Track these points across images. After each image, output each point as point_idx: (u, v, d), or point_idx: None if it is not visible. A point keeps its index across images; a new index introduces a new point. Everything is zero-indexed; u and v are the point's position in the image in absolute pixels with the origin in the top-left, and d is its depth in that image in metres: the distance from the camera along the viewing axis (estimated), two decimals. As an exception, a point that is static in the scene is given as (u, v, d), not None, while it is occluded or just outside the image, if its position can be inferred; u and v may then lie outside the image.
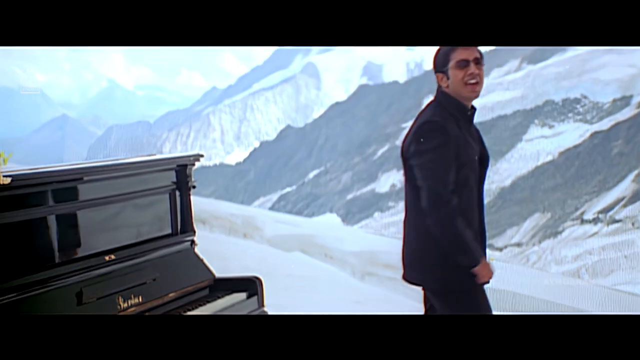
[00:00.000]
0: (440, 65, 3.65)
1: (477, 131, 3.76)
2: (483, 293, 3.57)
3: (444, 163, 3.48)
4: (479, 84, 3.62)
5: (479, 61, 3.64)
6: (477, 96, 3.64)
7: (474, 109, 3.73)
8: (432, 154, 3.47)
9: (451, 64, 3.60)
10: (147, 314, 3.72)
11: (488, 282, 3.52)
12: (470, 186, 3.58)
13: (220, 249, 13.69)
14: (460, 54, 3.60)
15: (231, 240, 18.56)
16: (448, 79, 3.63)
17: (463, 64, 3.58)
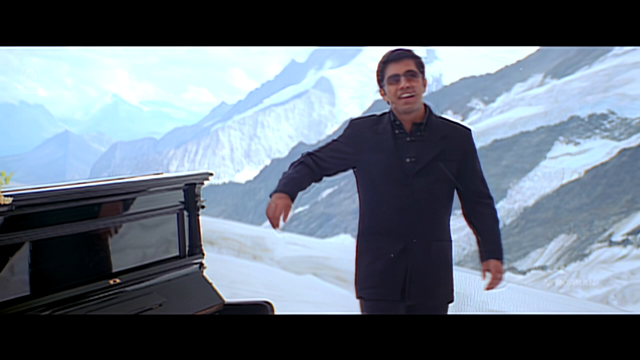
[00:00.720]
0: (379, 80, 3.89)
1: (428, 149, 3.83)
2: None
3: (332, 143, 3.97)
4: (414, 96, 3.79)
5: (413, 73, 3.80)
6: (412, 109, 3.80)
7: (421, 125, 3.85)
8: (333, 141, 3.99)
9: (385, 79, 3.84)
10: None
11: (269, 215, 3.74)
12: (377, 187, 3.80)
13: (228, 271, 13.68)
14: (392, 68, 3.81)
15: (240, 262, 18.55)
16: (385, 94, 3.88)
17: (394, 79, 3.79)
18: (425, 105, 3.85)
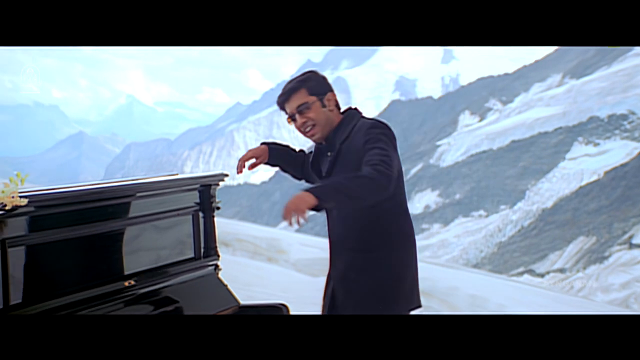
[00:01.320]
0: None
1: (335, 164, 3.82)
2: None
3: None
4: (314, 126, 3.83)
5: (306, 106, 3.82)
6: (317, 138, 3.87)
7: (334, 148, 3.84)
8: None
9: (288, 118, 3.93)
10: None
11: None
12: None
13: (243, 273, 13.70)
14: (287, 108, 3.87)
15: (255, 264, 18.57)
16: None
17: (292, 118, 3.84)
18: (343, 115, 3.86)
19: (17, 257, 3.21)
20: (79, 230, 3.54)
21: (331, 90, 3.84)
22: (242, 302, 4.33)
